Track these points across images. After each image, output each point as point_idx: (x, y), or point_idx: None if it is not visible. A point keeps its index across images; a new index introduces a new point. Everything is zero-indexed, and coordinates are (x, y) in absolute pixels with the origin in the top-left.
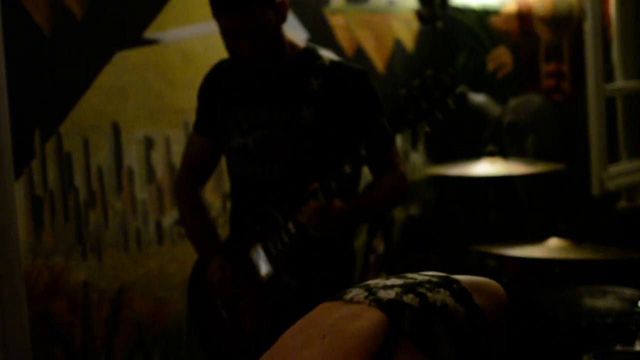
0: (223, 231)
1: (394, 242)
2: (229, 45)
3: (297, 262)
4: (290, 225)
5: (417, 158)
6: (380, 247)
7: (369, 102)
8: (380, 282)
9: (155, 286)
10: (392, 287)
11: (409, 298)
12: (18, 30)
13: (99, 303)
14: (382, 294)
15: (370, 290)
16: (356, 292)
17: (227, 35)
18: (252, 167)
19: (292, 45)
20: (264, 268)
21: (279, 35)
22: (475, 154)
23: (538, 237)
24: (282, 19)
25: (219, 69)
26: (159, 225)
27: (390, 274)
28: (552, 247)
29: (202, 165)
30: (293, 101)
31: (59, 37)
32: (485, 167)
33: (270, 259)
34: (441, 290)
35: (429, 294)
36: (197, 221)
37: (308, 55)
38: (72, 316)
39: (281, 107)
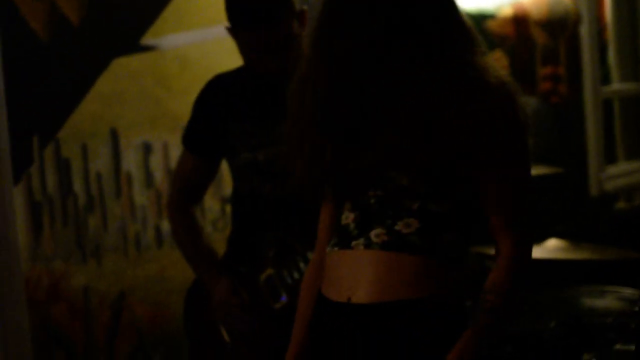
0: (222, 235)
1: None
2: (250, 61)
3: None
4: (310, 255)
5: None
6: None
7: None
8: None
9: (156, 290)
10: None
11: None
12: (15, 36)
13: (100, 307)
14: None
15: None
16: None
17: (250, 50)
18: (262, 184)
19: None
20: (277, 296)
21: (301, 48)
22: None
23: (537, 238)
24: (304, 29)
25: (218, 82)
26: (158, 229)
27: None
28: (551, 248)
29: (195, 185)
30: None
31: (56, 43)
32: None
33: (285, 287)
34: None
35: None
36: (192, 243)
37: None
38: (72, 320)
39: None
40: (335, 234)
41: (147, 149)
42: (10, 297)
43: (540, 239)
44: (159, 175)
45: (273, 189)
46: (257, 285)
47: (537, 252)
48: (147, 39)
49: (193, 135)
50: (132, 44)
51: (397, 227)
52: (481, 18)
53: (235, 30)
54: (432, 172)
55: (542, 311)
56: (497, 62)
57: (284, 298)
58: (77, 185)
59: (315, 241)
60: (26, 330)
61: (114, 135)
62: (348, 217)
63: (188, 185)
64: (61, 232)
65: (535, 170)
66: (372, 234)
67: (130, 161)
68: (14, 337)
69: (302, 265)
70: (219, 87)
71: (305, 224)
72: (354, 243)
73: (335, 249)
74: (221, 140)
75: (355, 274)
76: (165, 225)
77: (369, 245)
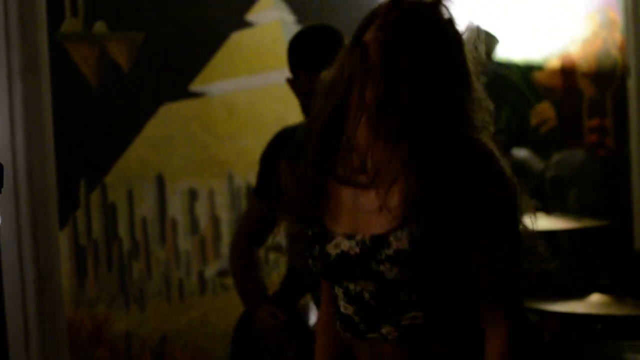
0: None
1: None
2: (310, 106)
3: None
4: None
5: None
6: None
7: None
8: None
9: (197, 336)
10: None
11: None
12: (66, 82)
13: (141, 352)
14: None
15: None
16: None
17: (310, 94)
18: None
19: None
20: (314, 319)
21: None
22: None
23: (580, 293)
24: None
25: (283, 135)
26: (201, 275)
27: None
28: (594, 303)
29: (259, 227)
30: None
31: (105, 89)
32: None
33: None
34: None
35: None
36: (248, 277)
37: None
38: None
39: None
40: (340, 320)
41: (192, 195)
42: (53, 340)
43: (584, 293)
44: (203, 222)
45: None
46: (298, 310)
47: (581, 306)
48: (196, 86)
49: (263, 184)
50: (181, 90)
51: (404, 323)
52: (529, 69)
53: (295, 77)
54: (421, 258)
55: None
56: (544, 113)
57: None
58: (122, 230)
59: None
60: None
61: (160, 181)
62: (347, 308)
63: (253, 228)
64: (105, 277)
65: (581, 223)
66: (383, 331)
67: (176, 207)
68: None
69: None
70: (285, 138)
71: None
72: (369, 336)
73: (347, 334)
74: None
75: None
76: (209, 272)
77: (384, 340)
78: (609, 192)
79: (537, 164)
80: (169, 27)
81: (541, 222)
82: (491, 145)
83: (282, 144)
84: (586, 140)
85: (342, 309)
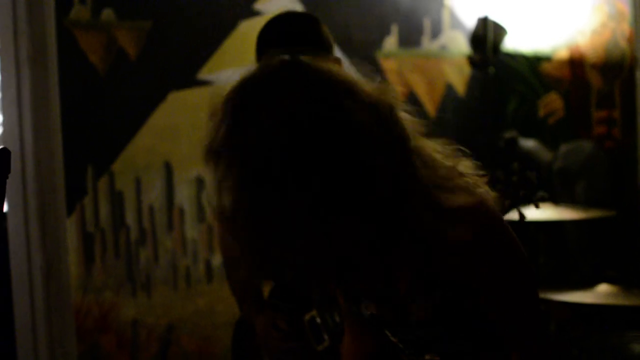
0: None
1: None
2: None
3: None
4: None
5: None
6: None
7: None
8: None
9: (204, 324)
10: None
11: None
12: (74, 69)
13: (148, 340)
14: None
15: None
16: None
17: None
18: None
19: None
20: (319, 338)
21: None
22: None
23: (587, 283)
24: None
25: None
26: (208, 264)
27: None
28: (601, 293)
29: None
30: None
31: (113, 76)
32: (534, 212)
33: (327, 330)
34: None
35: None
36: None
37: None
38: (120, 352)
39: None
40: None
41: (200, 183)
42: (60, 326)
43: (591, 283)
44: (211, 210)
45: None
46: (301, 324)
47: (588, 297)
48: (204, 74)
49: None
50: (189, 78)
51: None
52: (537, 60)
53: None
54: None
55: (591, 357)
56: (552, 104)
57: (325, 340)
58: (130, 218)
59: None
60: (74, 359)
61: (168, 169)
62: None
63: None
64: (112, 264)
65: (588, 214)
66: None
67: (183, 195)
68: None
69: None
70: None
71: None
72: None
73: None
74: None
75: None
76: (216, 260)
77: None
78: (616, 183)
79: (544, 155)
80: (177, 15)
81: (548, 212)
82: (462, 198)
83: None
84: (594, 132)
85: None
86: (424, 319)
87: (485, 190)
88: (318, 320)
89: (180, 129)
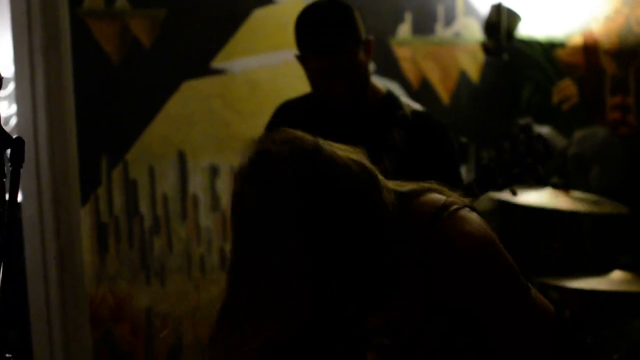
0: None
1: None
2: (318, 85)
3: None
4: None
5: None
6: None
7: (448, 158)
8: None
9: None
10: None
11: None
12: (87, 58)
13: (162, 328)
14: None
15: None
16: None
17: (318, 75)
18: None
19: (375, 89)
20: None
21: (368, 76)
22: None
23: (601, 270)
24: (370, 57)
25: (286, 109)
26: (222, 252)
27: None
28: (615, 280)
29: None
30: (374, 150)
31: (127, 65)
32: (549, 199)
33: None
34: None
35: None
36: None
37: (390, 102)
38: (134, 341)
39: None
40: None
41: (214, 171)
42: (74, 315)
43: (605, 270)
44: (225, 199)
45: None
46: None
47: (602, 283)
48: (217, 63)
49: None
50: (203, 67)
51: None
52: (551, 46)
53: (303, 57)
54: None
55: (605, 344)
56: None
57: None
58: (144, 207)
59: None
60: (89, 347)
61: (182, 157)
62: None
63: None
64: (126, 253)
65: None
66: None
67: (197, 184)
68: (77, 354)
69: None
70: (288, 113)
71: None
72: None
73: None
74: None
75: None
76: (229, 248)
77: None
78: (630, 169)
79: (559, 141)
80: (191, 4)
81: (562, 200)
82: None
83: (284, 119)
84: (608, 118)
85: None
86: (436, 348)
87: (456, 195)
88: None
89: (194, 117)
